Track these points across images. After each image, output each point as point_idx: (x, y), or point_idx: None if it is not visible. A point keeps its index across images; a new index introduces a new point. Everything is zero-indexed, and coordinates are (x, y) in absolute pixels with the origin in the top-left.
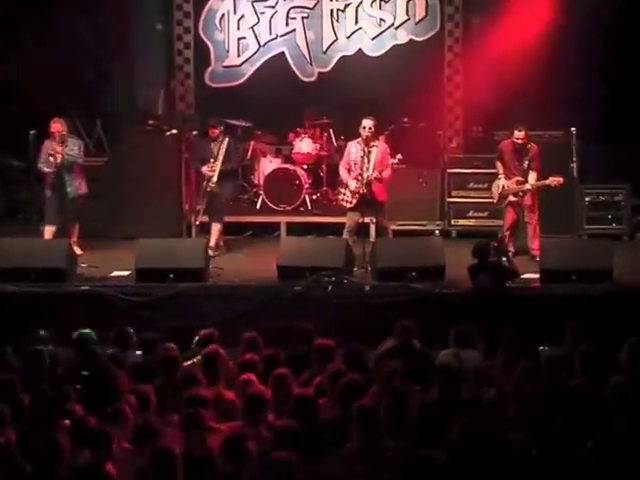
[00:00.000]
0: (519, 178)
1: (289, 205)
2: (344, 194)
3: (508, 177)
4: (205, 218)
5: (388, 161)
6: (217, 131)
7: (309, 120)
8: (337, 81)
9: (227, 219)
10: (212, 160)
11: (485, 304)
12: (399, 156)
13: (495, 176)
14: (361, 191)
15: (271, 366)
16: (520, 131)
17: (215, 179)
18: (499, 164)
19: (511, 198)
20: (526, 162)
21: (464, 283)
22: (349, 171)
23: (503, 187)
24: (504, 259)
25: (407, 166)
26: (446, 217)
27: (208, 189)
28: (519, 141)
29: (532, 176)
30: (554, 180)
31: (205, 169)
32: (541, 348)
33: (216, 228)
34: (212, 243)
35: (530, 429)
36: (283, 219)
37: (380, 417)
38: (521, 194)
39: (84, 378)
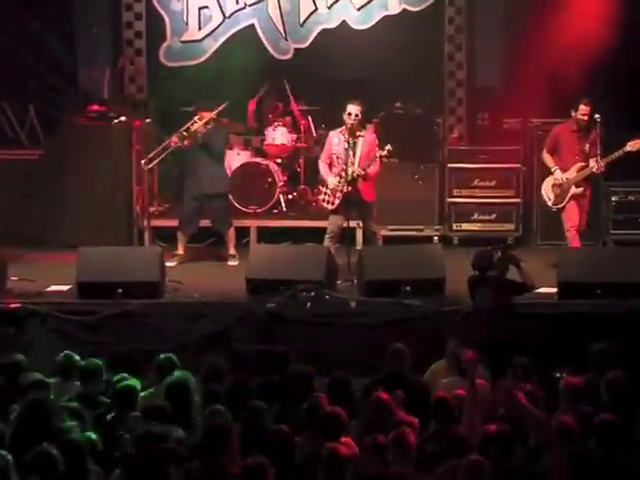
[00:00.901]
0: (581, 164)
1: (260, 206)
2: (325, 193)
3: (564, 168)
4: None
5: (376, 154)
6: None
7: (284, 106)
8: (317, 59)
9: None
10: None
11: (486, 324)
12: (388, 147)
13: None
14: (344, 190)
15: (240, 397)
16: (587, 105)
17: None
18: (548, 157)
19: (574, 190)
20: (587, 146)
21: (468, 299)
22: (330, 166)
23: (561, 182)
24: (516, 268)
25: (400, 160)
26: (446, 221)
27: None
28: (584, 118)
29: (592, 164)
30: (636, 143)
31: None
32: (558, 375)
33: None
34: (232, 250)
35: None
36: (253, 223)
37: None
38: (581, 187)
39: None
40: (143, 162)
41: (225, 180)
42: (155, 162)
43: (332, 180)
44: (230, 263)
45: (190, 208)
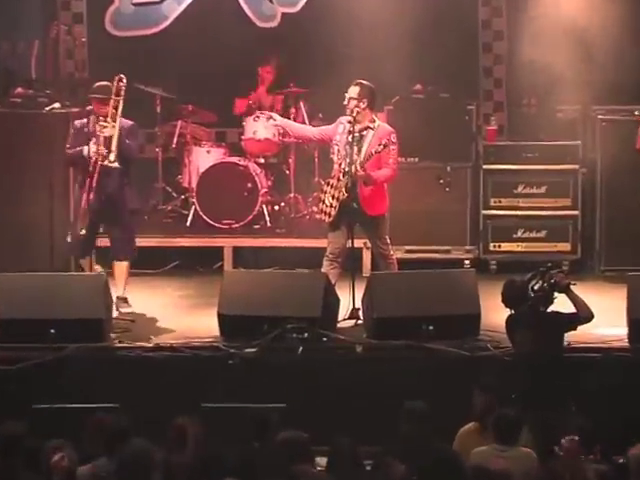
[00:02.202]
0: None
1: (237, 220)
2: (323, 202)
3: None
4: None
5: (390, 152)
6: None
7: (268, 89)
8: (311, 28)
9: (137, 244)
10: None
11: (529, 375)
12: (384, 142)
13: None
14: (341, 196)
15: (213, 474)
16: None
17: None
18: None
19: None
20: None
21: (508, 342)
22: (312, 139)
23: None
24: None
25: (419, 159)
26: (481, 240)
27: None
28: None
29: None
30: None
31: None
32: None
33: (122, 267)
34: (120, 292)
35: None
36: (227, 242)
37: None
38: None
39: None
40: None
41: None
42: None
43: (326, 188)
44: (121, 310)
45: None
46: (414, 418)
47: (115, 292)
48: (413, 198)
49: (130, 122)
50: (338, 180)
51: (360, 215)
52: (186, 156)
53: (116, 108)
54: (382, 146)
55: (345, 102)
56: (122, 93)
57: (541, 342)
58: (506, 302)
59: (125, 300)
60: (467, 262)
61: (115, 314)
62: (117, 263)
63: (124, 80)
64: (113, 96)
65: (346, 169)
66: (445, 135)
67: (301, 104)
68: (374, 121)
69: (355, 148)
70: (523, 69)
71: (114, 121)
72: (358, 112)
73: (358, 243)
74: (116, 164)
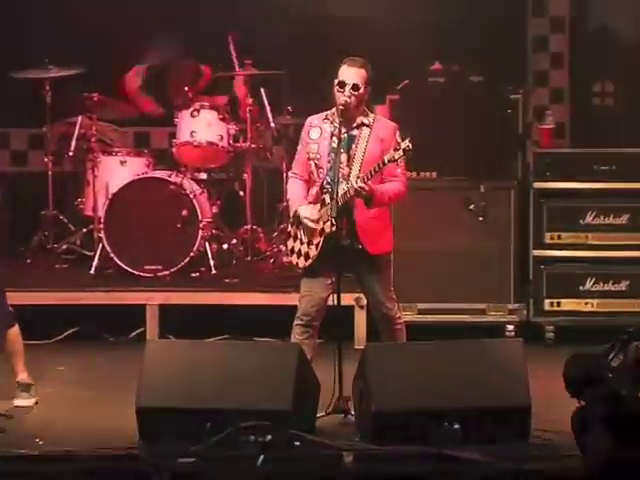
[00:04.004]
0: None
1: (166, 266)
2: (296, 237)
3: None
4: None
5: (380, 161)
6: None
7: (215, 70)
8: None
9: (12, 302)
10: None
11: None
12: (406, 143)
13: None
14: (326, 229)
15: None
16: None
17: None
18: None
19: None
20: None
21: (575, 448)
22: (307, 182)
23: None
24: None
25: (440, 175)
26: (532, 294)
27: None
28: None
29: None
30: None
31: None
32: None
33: (13, 337)
34: (21, 374)
35: None
36: (150, 299)
37: None
38: None
39: None
40: None
41: None
42: None
43: (306, 211)
44: (17, 403)
45: None
46: None
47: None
48: (429, 232)
49: None
50: (321, 205)
51: (354, 255)
52: (90, 169)
53: None
54: (401, 151)
55: (335, 89)
56: None
57: (627, 448)
58: (572, 388)
59: (27, 387)
60: (511, 328)
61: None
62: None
63: None
64: None
65: (333, 187)
66: (477, 138)
67: (262, 92)
68: (367, 114)
69: (344, 156)
70: (595, 39)
71: None
72: (351, 103)
73: (347, 299)
74: None
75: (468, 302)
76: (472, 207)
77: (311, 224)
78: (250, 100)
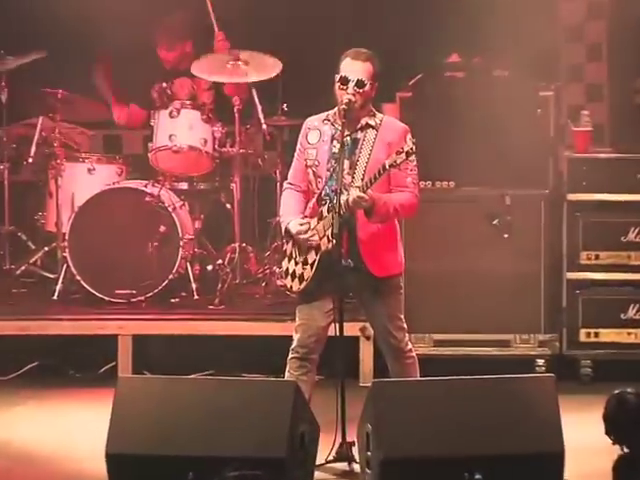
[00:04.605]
0: None
1: (141, 290)
2: (291, 257)
3: None
4: None
5: (408, 164)
6: None
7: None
8: None
9: None
10: None
11: None
12: (409, 145)
13: None
14: (325, 246)
15: None
16: None
17: None
18: None
19: None
20: None
21: None
22: (306, 194)
23: None
24: None
25: (458, 185)
26: (566, 323)
27: None
28: None
29: None
30: None
31: None
32: None
33: None
34: None
35: None
36: (123, 328)
37: None
38: None
39: None
40: None
41: None
42: None
43: (296, 225)
44: None
45: None
46: None
47: None
48: (446, 251)
49: None
50: (319, 219)
51: (358, 278)
52: (52, 178)
53: None
54: (404, 154)
55: (337, 86)
56: None
57: None
58: (614, 432)
59: None
60: (541, 362)
61: None
62: None
63: None
64: None
65: (332, 199)
66: (501, 142)
67: (253, 91)
68: (374, 115)
69: (347, 163)
70: (639, 27)
71: None
72: (356, 103)
73: (351, 328)
74: None
75: (491, 333)
76: (496, 222)
77: (304, 236)
78: (236, 98)
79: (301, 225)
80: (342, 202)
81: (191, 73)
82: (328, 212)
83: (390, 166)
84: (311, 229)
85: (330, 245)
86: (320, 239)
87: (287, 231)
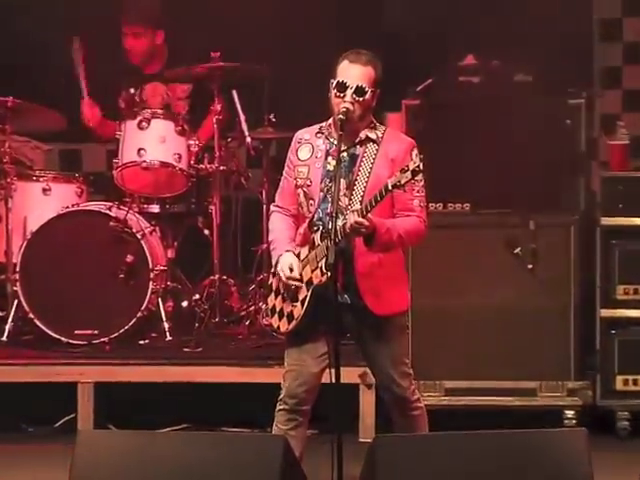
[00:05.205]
0: None
1: (104, 331)
2: (278, 292)
3: None
4: None
5: (414, 185)
6: None
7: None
8: None
9: None
10: None
11: None
12: (415, 162)
13: None
14: (319, 279)
15: None
16: None
17: None
18: None
19: None
20: None
21: None
22: (296, 218)
23: None
24: None
25: (474, 208)
26: (600, 368)
27: None
28: None
29: None
30: None
31: None
32: None
33: None
34: None
35: None
36: (83, 375)
37: None
38: None
39: None
40: None
41: None
42: None
43: (286, 260)
44: None
45: None
46: None
47: None
48: (459, 285)
49: None
50: (311, 247)
51: (356, 316)
52: (1, 199)
53: None
54: (409, 173)
55: (333, 93)
56: None
57: None
58: None
59: None
60: (571, 414)
61: None
62: None
63: None
64: None
65: (326, 224)
66: (524, 159)
67: (234, 94)
68: (375, 127)
69: (343, 182)
70: None
71: None
72: (355, 113)
73: (349, 374)
74: None
75: (513, 380)
76: (518, 251)
77: (288, 281)
78: (218, 106)
79: (291, 264)
80: (338, 228)
81: (164, 77)
82: (321, 240)
83: (393, 186)
84: (307, 258)
85: (324, 278)
86: (312, 272)
87: (277, 264)
